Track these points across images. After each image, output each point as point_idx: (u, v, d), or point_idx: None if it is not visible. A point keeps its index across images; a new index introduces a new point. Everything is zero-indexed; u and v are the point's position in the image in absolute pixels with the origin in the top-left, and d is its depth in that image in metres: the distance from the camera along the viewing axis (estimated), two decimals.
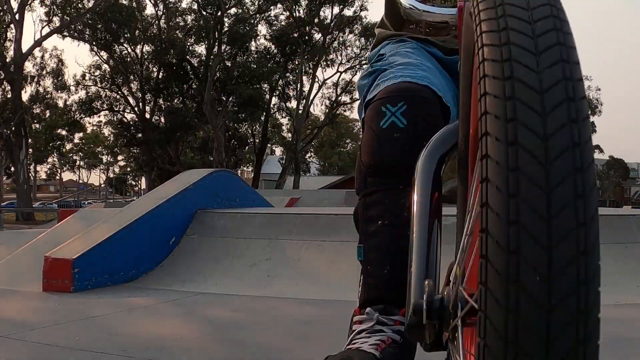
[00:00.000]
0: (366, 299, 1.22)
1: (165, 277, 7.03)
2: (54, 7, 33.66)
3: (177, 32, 36.89)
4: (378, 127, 1.25)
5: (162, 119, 37.83)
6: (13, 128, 33.08)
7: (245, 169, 61.74)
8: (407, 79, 1.29)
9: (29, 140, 36.90)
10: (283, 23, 37.41)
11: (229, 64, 36.03)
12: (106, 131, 46.10)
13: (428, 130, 1.14)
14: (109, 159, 72.36)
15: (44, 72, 36.80)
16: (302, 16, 36.64)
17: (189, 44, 36.01)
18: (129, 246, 7.02)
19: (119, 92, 37.75)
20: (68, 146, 57.63)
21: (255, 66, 34.98)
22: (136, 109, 37.52)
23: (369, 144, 1.27)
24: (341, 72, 39.25)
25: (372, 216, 1.24)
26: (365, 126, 1.32)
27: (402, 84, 1.28)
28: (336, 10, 37.13)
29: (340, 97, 39.93)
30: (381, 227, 1.21)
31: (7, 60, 32.97)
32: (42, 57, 36.87)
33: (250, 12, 36.26)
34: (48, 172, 76.84)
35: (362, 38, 37.99)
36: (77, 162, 79.10)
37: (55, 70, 36.80)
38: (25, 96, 35.27)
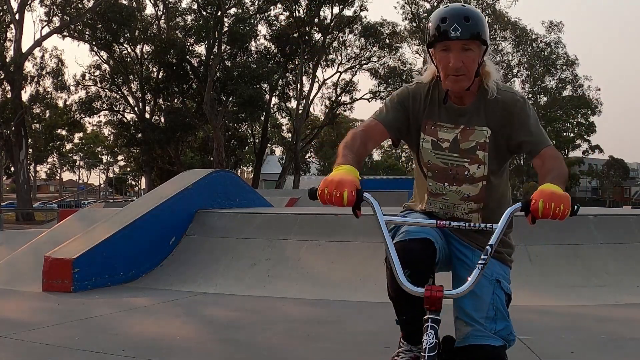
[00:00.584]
0: (404, 337, 2.26)
1: (165, 277, 7.00)
2: (54, 7, 33.63)
3: (177, 32, 36.84)
4: (393, 279, 2.01)
5: (162, 119, 37.80)
6: (13, 128, 33.06)
7: (245, 168, 61.74)
8: (412, 236, 2.07)
9: (29, 140, 36.87)
10: (283, 23, 37.40)
11: (229, 64, 35.99)
12: (106, 131, 46.12)
13: (426, 279, 2.03)
14: (108, 159, 72.35)
15: (44, 72, 36.73)
16: (302, 16, 36.61)
17: (188, 44, 35.95)
18: (129, 246, 7.01)
19: (119, 92, 37.72)
20: (68, 146, 57.68)
21: (255, 66, 34.93)
22: (136, 109, 37.50)
23: (390, 284, 2.11)
24: (341, 72, 39.26)
25: (400, 317, 2.21)
26: (387, 268, 2.12)
27: (409, 243, 2.06)
28: (336, 10, 37.14)
29: (340, 97, 39.92)
30: (404, 325, 2.22)
31: (7, 60, 32.93)
32: (42, 57, 36.81)
33: (250, 12, 36.23)
34: (48, 172, 76.86)
35: (362, 38, 37.95)
36: (77, 162, 79.12)
37: (55, 70, 36.72)
38: (25, 96, 35.28)
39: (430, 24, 2.10)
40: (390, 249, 1.89)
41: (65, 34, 34.65)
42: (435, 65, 2.16)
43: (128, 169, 68.90)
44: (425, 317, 1.83)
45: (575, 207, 1.83)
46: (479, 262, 1.84)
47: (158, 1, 37.26)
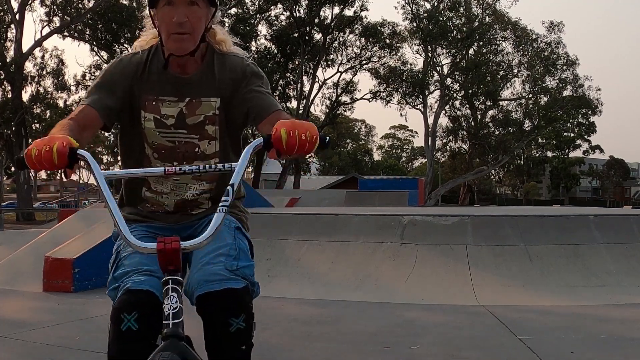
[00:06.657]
0: None
1: None
2: (54, 7, 33.60)
3: None
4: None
5: None
6: (13, 128, 33.07)
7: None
8: (136, 287, 1.81)
9: (30, 140, 36.84)
10: (283, 23, 37.39)
11: None
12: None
13: (156, 320, 1.68)
14: (109, 158, 72.41)
15: (44, 72, 36.67)
16: (303, 16, 36.59)
17: None
18: None
19: None
20: None
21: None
22: None
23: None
24: (341, 72, 39.22)
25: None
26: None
27: (134, 295, 1.80)
28: (336, 10, 37.08)
29: (340, 97, 39.88)
30: None
31: (8, 60, 32.93)
32: (43, 57, 36.71)
33: (251, 12, 36.22)
34: (48, 172, 76.86)
35: (363, 38, 37.93)
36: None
37: (55, 70, 36.66)
38: (25, 96, 35.21)
39: None
40: (114, 212, 1.65)
41: (65, 34, 34.62)
42: (156, 27, 1.97)
43: None
44: (164, 279, 1.53)
45: (327, 138, 1.62)
46: (220, 205, 1.56)
47: None
